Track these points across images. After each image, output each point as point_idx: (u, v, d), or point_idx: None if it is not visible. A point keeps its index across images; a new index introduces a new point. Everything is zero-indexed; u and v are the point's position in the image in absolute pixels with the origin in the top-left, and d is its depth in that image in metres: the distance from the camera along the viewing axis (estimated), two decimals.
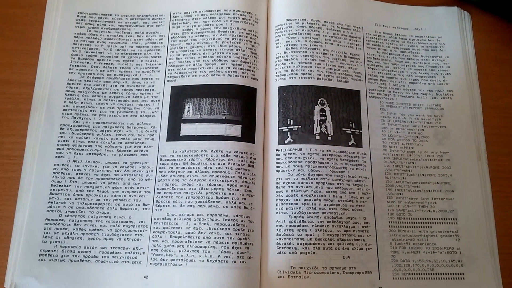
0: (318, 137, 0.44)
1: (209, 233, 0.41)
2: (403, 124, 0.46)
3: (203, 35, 0.47)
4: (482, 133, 0.47)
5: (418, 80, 0.48)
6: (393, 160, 0.45)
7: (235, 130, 0.44)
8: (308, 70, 0.46)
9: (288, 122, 0.44)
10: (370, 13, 0.50)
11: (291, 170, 0.43)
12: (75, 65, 0.47)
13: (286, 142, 0.44)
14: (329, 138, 0.44)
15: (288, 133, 0.44)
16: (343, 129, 0.45)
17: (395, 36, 0.50)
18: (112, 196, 0.43)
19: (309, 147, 0.43)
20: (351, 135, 0.45)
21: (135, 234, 0.42)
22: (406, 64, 0.49)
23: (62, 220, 0.42)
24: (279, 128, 0.44)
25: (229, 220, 0.41)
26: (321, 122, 0.44)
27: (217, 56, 0.46)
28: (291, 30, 0.47)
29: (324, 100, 0.45)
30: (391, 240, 0.42)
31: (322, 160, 0.43)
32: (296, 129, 0.44)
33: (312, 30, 0.47)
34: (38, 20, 0.48)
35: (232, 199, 0.42)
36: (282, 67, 0.46)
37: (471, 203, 0.44)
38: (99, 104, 0.46)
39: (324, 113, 0.45)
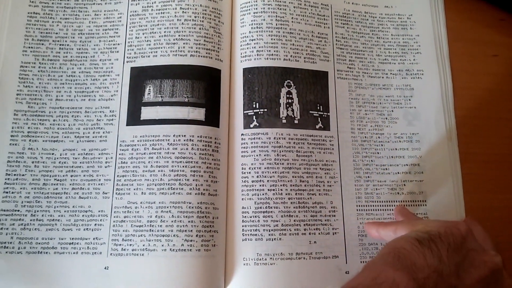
0: (284, 121, 0.42)
1: (172, 221, 0.39)
2: (371, 105, 0.45)
3: (164, 13, 0.45)
4: (453, 114, 0.46)
5: (388, 59, 0.47)
6: (361, 142, 0.44)
7: (199, 113, 0.42)
8: (274, 51, 0.44)
9: (254, 106, 0.43)
10: None
11: (257, 155, 0.41)
12: (29, 47, 0.44)
13: (251, 126, 0.42)
14: (296, 121, 0.43)
15: (254, 116, 0.42)
16: (310, 112, 0.43)
17: (365, 14, 0.48)
18: (70, 184, 0.41)
19: (275, 131, 0.42)
20: (319, 118, 0.43)
21: (95, 224, 0.40)
22: (375, 44, 0.47)
23: (18, 210, 0.40)
24: (245, 112, 0.43)
25: (192, 207, 0.40)
26: (287, 105, 0.43)
27: (179, 35, 0.44)
28: (256, 9, 0.45)
29: (291, 82, 0.44)
30: (358, 224, 0.42)
31: (289, 144, 0.42)
32: (262, 112, 0.42)
33: (278, 8, 0.45)
34: None
35: (196, 185, 0.40)
36: (247, 48, 0.44)
37: (440, 185, 0.44)
38: (55, 88, 0.43)
39: (290, 96, 0.43)
